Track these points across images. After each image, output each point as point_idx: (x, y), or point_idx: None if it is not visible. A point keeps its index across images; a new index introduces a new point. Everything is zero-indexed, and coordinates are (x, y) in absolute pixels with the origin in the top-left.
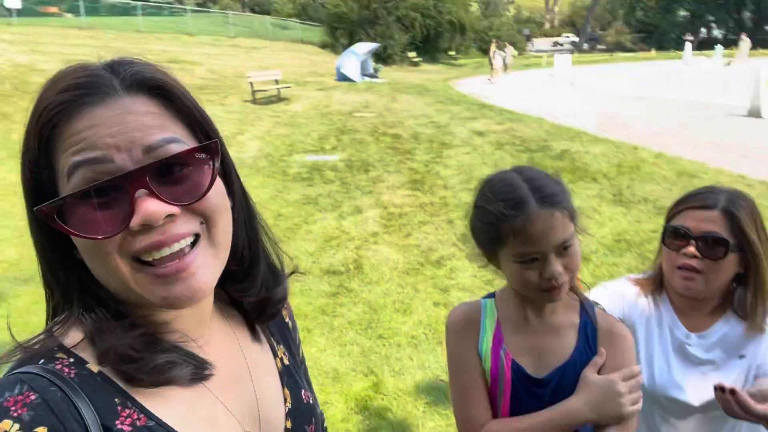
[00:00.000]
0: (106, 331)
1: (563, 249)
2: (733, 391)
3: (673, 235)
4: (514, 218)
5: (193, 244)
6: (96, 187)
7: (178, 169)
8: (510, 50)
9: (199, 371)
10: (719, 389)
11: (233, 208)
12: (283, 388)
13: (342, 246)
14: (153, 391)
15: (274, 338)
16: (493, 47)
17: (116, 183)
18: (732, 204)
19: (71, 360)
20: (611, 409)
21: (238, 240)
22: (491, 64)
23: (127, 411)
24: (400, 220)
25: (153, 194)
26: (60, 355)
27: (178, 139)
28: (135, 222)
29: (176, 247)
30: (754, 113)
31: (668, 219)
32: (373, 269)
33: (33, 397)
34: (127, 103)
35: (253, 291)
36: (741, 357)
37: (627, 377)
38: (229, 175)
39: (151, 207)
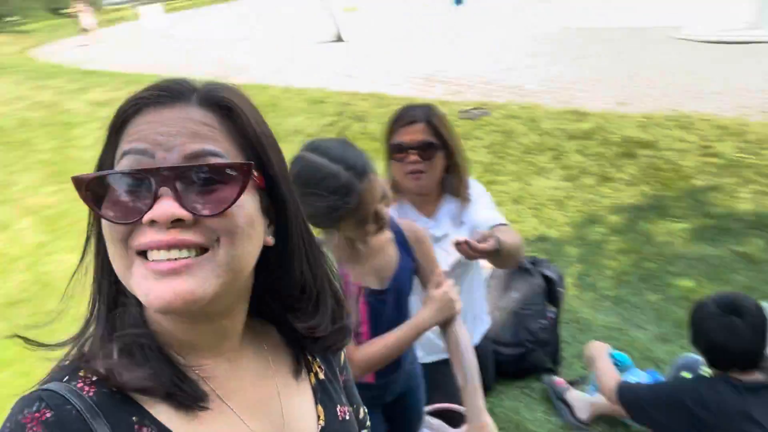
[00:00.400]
0: (121, 350)
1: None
2: (466, 242)
3: (397, 150)
4: (350, 202)
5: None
6: (124, 174)
7: (209, 182)
8: (85, 6)
9: (186, 400)
10: (456, 244)
11: (290, 244)
12: (316, 405)
13: (7, 270)
14: (174, 410)
15: (299, 351)
16: (77, 4)
17: (143, 176)
18: (429, 116)
19: (93, 378)
20: (449, 311)
21: (294, 275)
22: (79, 23)
23: (145, 429)
24: (63, 220)
25: (174, 196)
26: (83, 373)
27: (221, 154)
28: (146, 217)
29: (174, 254)
30: (339, 38)
31: (388, 139)
32: (67, 280)
33: (48, 415)
34: (191, 111)
35: (324, 325)
36: (462, 223)
37: (452, 285)
38: (283, 208)
39: (164, 206)
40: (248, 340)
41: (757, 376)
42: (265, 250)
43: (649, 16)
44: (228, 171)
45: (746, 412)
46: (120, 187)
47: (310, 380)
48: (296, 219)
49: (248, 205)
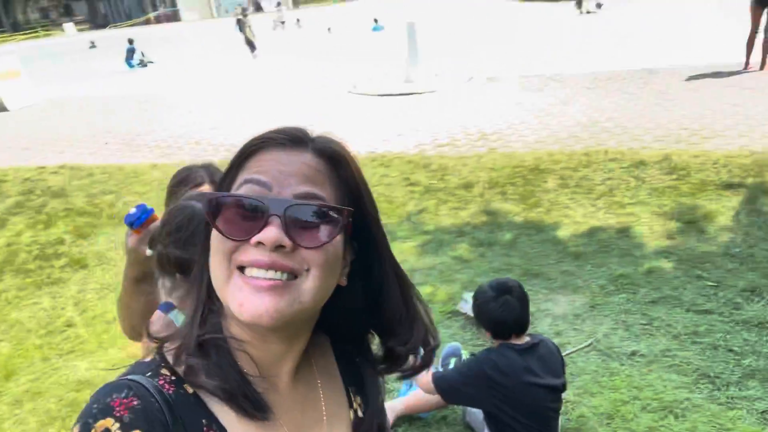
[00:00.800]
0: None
1: None
2: None
3: None
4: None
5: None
6: (247, 198)
7: (310, 219)
8: None
9: (250, 408)
10: None
11: (381, 282)
12: None
13: None
14: (236, 417)
15: (352, 389)
16: None
17: (260, 205)
18: (213, 175)
19: (173, 378)
20: None
21: (391, 306)
22: None
23: None
24: None
25: (281, 225)
26: (164, 371)
27: (323, 198)
28: (254, 238)
29: (271, 274)
30: (1, 108)
31: (170, 200)
32: None
33: (135, 403)
34: (306, 157)
35: (417, 348)
36: None
37: None
38: (374, 250)
39: (272, 232)
40: (305, 368)
41: (527, 339)
42: (342, 290)
43: (326, 77)
44: (331, 213)
45: (527, 366)
46: (237, 209)
47: (349, 416)
48: (389, 257)
49: (338, 245)
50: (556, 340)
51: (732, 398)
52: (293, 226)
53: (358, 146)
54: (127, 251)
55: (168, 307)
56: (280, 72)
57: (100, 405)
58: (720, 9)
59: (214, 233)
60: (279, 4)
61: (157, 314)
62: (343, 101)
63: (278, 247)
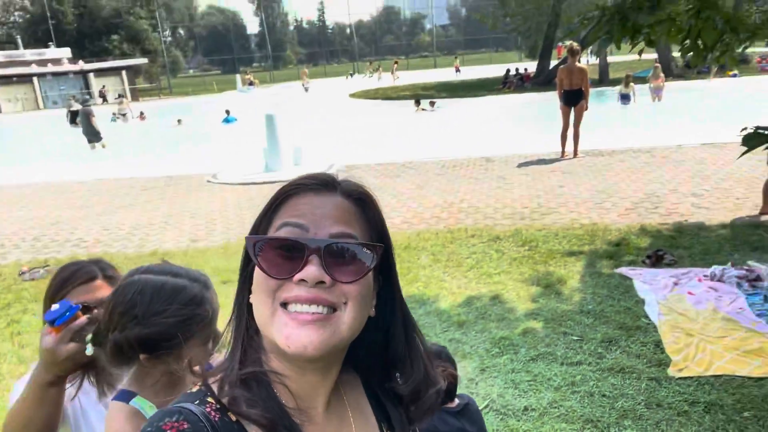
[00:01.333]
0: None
1: None
2: None
3: (84, 311)
4: (203, 312)
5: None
6: (285, 241)
7: (346, 255)
8: None
9: None
10: None
11: (393, 317)
12: None
13: None
14: None
15: (384, 425)
16: None
17: (300, 245)
18: (105, 270)
19: (218, 406)
20: None
21: (396, 342)
22: None
23: None
24: None
25: (319, 263)
26: (210, 400)
27: (355, 236)
28: (297, 276)
29: (313, 308)
30: None
31: (54, 301)
32: None
33: (186, 426)
34: (336, 200)
35: (423, 389)
36: None
37: None
38: (391, 284)
39: (312, 270)
40: (337, 401)
41: (457, 401)
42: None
43: (182, 167)
44: (364, 249)
45: (463, 428)
46: (279, 250)
47: None
48: (400, 295)
49: (370, 279)
50: None
51: None
52: (331, 263)
53: (225, 235)
54: (44, 352)
55: (127, 396)
56: (130, 163)
57: (153, 428)
58: (532, 107)
59: (258, 272)
60: (120, 96)
61: (116, 405)
62: (203, 190)
63: (318, 283)
